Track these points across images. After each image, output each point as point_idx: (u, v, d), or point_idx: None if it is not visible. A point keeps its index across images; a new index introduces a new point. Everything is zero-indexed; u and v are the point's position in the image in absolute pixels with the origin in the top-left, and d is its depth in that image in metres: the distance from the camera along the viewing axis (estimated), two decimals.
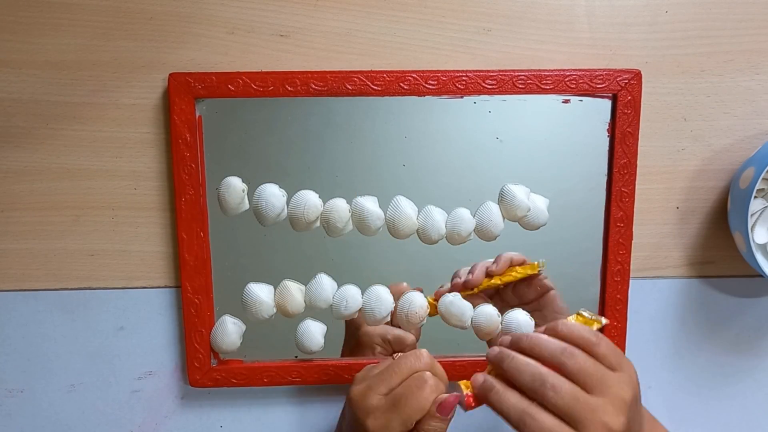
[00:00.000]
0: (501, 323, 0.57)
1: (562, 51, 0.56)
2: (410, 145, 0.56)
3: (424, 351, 0.49)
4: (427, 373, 0.47)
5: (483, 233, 0.56)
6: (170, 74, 0.54)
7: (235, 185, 0.54)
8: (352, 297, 0.56)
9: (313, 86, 0.54)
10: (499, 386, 0.45)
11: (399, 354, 0.50)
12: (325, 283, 0.56)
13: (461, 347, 0.59)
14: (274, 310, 0.56)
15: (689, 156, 0.58)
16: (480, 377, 0.46)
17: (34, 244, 0.57)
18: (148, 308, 0.58)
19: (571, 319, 0.49)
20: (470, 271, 0.57)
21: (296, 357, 0.59)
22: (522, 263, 0.57)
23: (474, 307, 0.56)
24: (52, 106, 0.55)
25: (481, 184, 0.56)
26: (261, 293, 0.56)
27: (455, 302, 0.56)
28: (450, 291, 0.56)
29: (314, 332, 0.56)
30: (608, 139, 0.56)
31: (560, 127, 0.56)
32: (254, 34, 0.55)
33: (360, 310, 0.56)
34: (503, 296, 0.59)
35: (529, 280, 0.57)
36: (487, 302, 0.57)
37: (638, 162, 0.56)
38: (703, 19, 0.56)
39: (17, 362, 0.59)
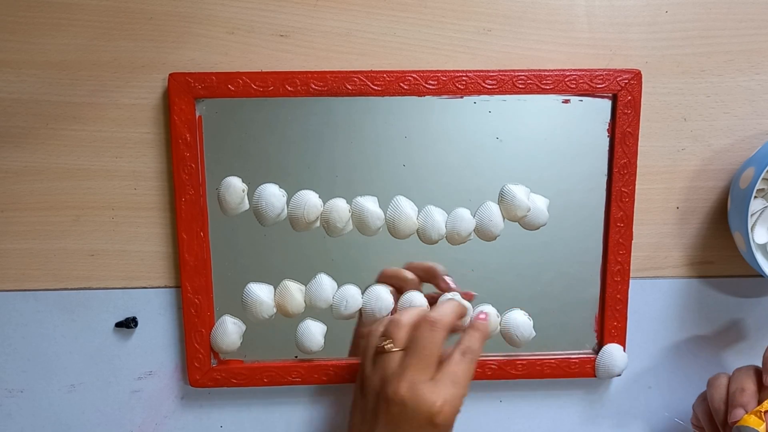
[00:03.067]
0: (500, 323, 0.57)
1: (562, 51, 0.56)
2: (410, 145, 0.56)
3: (399, 314, 0.52)
4: (462, 346, 0.50)
5: (483, 233, 0.56)
6: (170, 74, 0.54)
7: (235, 185, 0.54)
8: (352, 297, 0.56)
9: (313, 86, 0.54)
10: None
11: (384, 334, 0.51)
12: (325, 283, 0.56)
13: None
14: (274, 310, 0.56)
15: (689, 156, 0.58)
16: None
17: (34, 244, 0.57)
18: (148, 308, 0.58)
19: None
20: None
21: (296, 357, 0.59)
22: None
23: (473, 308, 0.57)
24: (52, 106, 0.55)
25: (481, 184, 0.56)
26: (261, 293, 0.56)
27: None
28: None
29: (314, 332, 0.56)
30: (608, 139, 0.56)
31: (560, 127, 0.56)
32: (254, 34, 0.55)
33: (360, 310, 0.56)
34: None
35: None
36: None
37: (638, 162, 0.56)
38: (703, 19, 0.56)
39: (17, 362, 0.59)
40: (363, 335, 0.56)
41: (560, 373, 0.59)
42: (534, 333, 0.57)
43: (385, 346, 0.49)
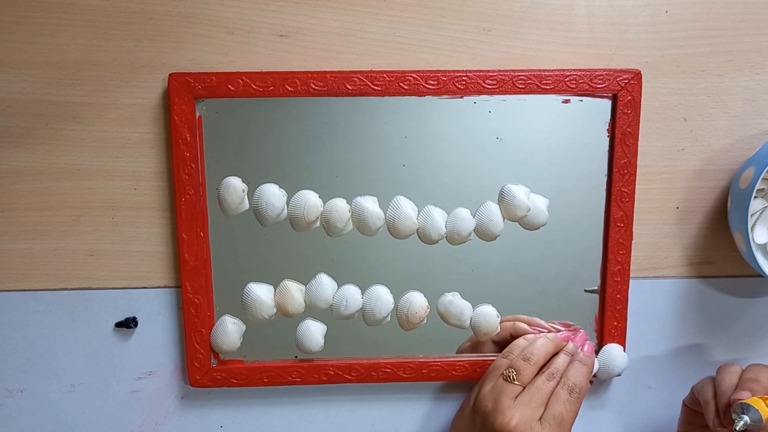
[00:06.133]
0: (500, 324, 0.57)
1: (562, 51, 0.56)
2: (410, 145, 0.56)
3: (533, 347, 0.54)
4: (569, 382, 0.52)
5: (483, 233, 0.56)
6: (170, 74, 0.54)
7: (235, 185, 0.54)
8: (352, 297, 0.56)
9: (313, 86, 0.54)
10: None
11: (513, 366, 0.53)
12: (325, 283, 0.56)
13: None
14: (274, 310, 0.56)
15: (689, 156, 0.58)
16: None
17: (34, 244, 0.57)
18: (148, 308, 0.58)
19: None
20: None
21: (296, 357, 0.59)
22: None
23: (473, 308, 0.57)
24: (52, 106, 0.55)
25: (481, 184, 0.56)
26: (261, 293, 0.56)
27: (454, 302, 0.56)
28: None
29: (314, 332, 0.56)
30: (608, 139, 0.56)
31: (560, 127, 0.56)
32: (254, 34, 0.55)
33: (360, 310, 0.56)
34: None
35: None
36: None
37: (638, 162, 0.56)
38: (703, 19, 0.56)
39: (17, 362, 0.59)
40: (462, 350, 0.60)
41: None
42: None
43: (510, 376, 0.53)
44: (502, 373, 0.53)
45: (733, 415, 0.49)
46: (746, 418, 0.49)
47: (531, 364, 0.53)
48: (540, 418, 0.51)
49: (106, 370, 0.59)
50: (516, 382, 0.52)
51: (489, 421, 0.51)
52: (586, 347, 0.56)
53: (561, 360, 0.54)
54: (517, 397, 0.52)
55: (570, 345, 0.55)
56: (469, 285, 0.58)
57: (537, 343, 0.54)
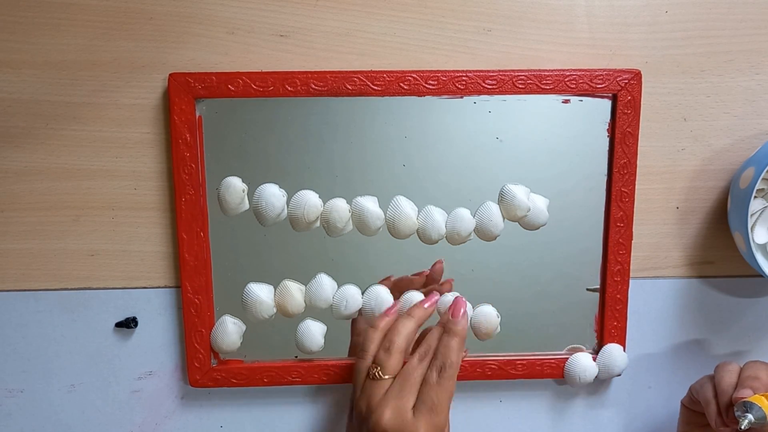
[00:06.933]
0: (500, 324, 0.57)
1: (562, 51, 0.56)
2: (410, 145, 0.56)
3: (392, 333, 0.51)
4: (437, 362, 0.49)
5: (483, 233, 0.56)
6: (170, 74, 0.54)
7: (235, 185, 0.54)
8: (352, 297, 0.56)
9: (313, 86, 0.54)
10: None
11: (375, 361, 0.50)
12: (325, 283, 0.56)
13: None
14: (274, 310, 0.56)
15: (689, 156, 0.58)
16: None
17: (34, 244, 0.57)
18: (148, 308, 0.58)
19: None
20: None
21: (296, 357, 0.59)
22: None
23: (474, 308, 0.57)
24: (52, 106, 0.55)
25: (481, 184, 0.56)
26: (261, 293, 0.56)
27: None
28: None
29: (314, 332, 0.56)
30: (608, 139, 0.56)
31: (560, 127, 0.56)
32: (254, 34, 0.55)
33: (360, 309, 0.56)
34: None
35: None
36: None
37: (638, 162, 0.56)
38: (703, 19, 0.56)
39: (17, 362, 0.59)
40: (359, 332, 0.57)
41: (560, 373, 0.59)
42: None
43: (376, 374, 0.49)
44: (368, 373, 0.50)
45: (737, 414, 0.49)
46: (750, 416, 0.49)
47: (392, 353, 0.49)
48: (413, 407, 0.48)
49: (106, 370, 0.59)
50: (385, 377, 0.49)
51: (366, 425, 0.48)
52: (457, 311, 0.51)
53: (433, 335, 0.51)
54: (387, 391, 0.48)
55: (444, 315, 0.51)
56: (469, 285, 0.58)
57: (396, 328, 0.51)
